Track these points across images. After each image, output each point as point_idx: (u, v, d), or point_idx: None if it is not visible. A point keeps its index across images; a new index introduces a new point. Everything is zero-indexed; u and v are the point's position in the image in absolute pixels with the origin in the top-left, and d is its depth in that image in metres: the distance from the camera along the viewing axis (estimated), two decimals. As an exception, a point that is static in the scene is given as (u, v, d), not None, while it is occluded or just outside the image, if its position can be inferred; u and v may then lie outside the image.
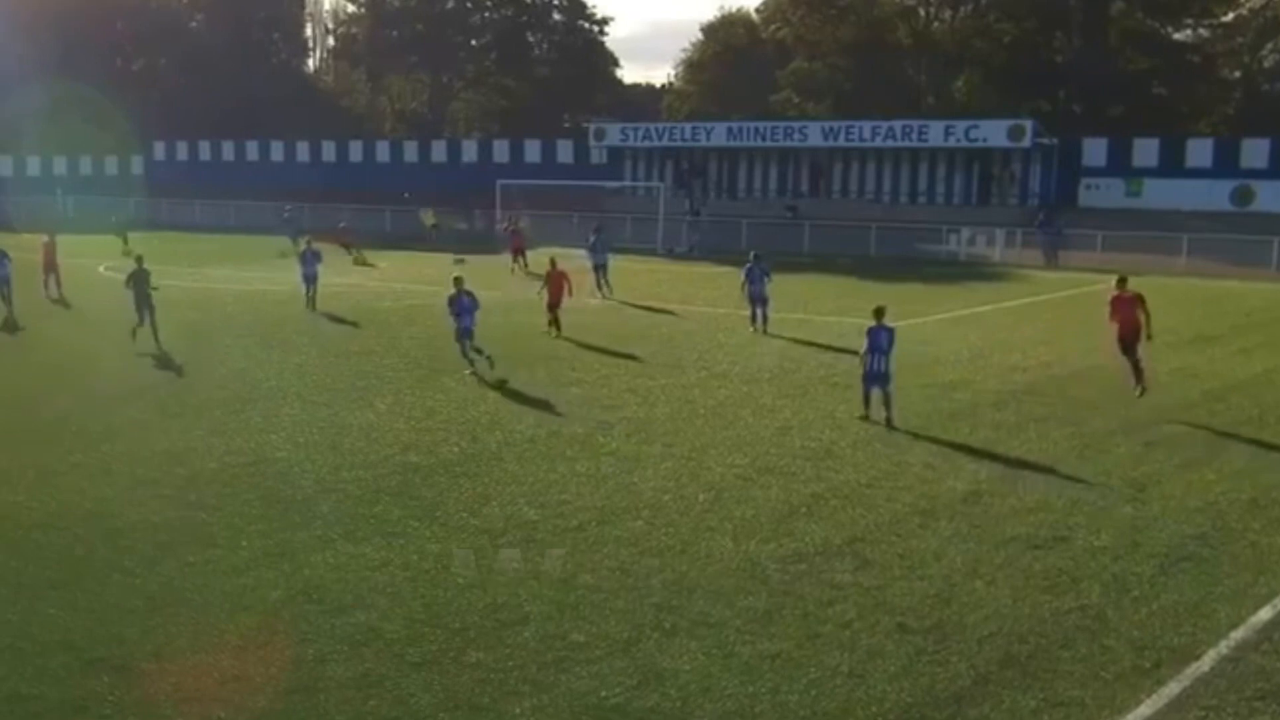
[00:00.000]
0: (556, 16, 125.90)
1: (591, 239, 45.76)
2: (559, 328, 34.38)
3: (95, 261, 53.15)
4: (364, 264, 56.16)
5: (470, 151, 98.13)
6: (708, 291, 46.23)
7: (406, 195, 72.26)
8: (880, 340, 23.82)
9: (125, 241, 60.33)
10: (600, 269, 44.70)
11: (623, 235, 66.09)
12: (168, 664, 12.72)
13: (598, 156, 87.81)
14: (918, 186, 78.77)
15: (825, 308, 41.45)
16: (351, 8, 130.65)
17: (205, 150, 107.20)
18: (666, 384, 27.47)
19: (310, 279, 40.15)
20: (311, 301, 39.93)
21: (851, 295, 44.69)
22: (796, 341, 33.84)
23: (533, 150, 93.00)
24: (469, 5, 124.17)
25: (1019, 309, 42.18)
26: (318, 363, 30.12)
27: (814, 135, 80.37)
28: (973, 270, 56.31)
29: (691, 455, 20.99)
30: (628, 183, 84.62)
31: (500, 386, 26.95)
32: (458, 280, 29.67)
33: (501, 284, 44.99)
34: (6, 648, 13.06)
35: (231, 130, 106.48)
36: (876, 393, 23.75)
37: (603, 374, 28.65)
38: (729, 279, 50.16)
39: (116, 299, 35.35)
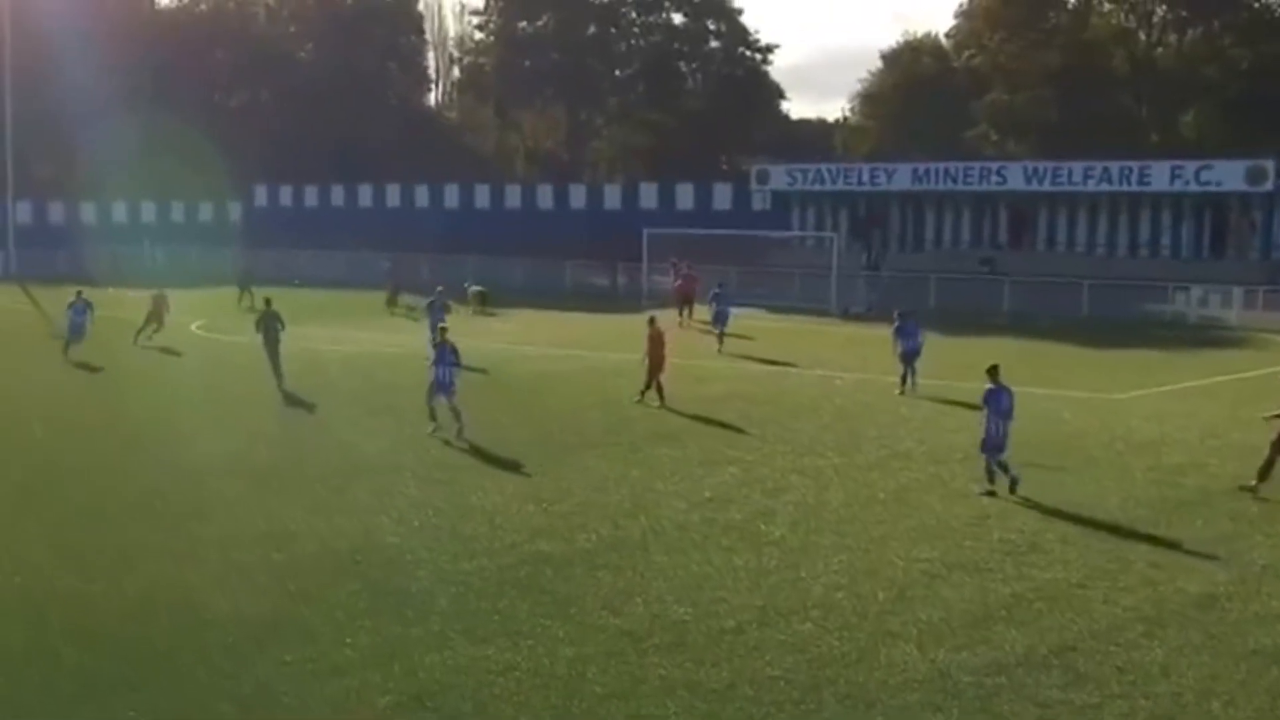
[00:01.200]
0: (713, 43, 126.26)
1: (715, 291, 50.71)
2: (661, 396, 34.50)
3: (188, 319, 54.19)
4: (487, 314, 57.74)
5: (613, 197, 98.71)
6: (888, 358, 45.79)
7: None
8: (1002, 403, 24.93)
9: (249, 295, 61.31)
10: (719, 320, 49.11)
11: (790, 293, 66.10)
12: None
13: (760, 202, 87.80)
14: (1138, 237, 77.60)
15: (1027, 378, 40.77)
16: (479, 35, 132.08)
17: (312, 195, 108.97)
18: (839, 463, 27.28)
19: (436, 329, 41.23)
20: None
21: (1060, 364, 44.14)
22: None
23: (685, 195, 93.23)
24: (613, 31, 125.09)
25: (1260, 381, 41.21)
26: (435, 436, 30.28)
27: (1015, 178, 79.62)
28: (1205, 335, 55.48)
29: (869, 547, 20.78)
30: (795, 233, 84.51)
31: (644, 464, 26.94)
32: (442, 330, 33.27)
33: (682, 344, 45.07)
34: (77, 756, 13.21)
35: (342, 173, 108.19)
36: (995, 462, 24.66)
37: (764, 451, 28.52)
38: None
39: (208, 361, 36.05)
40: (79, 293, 46.98)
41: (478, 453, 28.16)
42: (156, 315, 49.37)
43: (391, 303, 62.77)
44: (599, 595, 18.30)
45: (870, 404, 35.20)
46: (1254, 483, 24.78)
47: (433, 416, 30.42)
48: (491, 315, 59.80)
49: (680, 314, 54.30)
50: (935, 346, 48.66)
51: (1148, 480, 25.85)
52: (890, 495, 24.43)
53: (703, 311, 52.27)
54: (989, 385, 25.18)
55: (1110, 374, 41.99)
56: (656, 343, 35.13)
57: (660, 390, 34.73)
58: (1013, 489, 24.35)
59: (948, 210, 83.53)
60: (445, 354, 30.98)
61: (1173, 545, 21.15)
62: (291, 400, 35.24)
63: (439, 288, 49.23)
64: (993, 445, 24.70)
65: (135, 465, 26.92)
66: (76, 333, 44.79)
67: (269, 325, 38.93)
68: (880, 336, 51.99)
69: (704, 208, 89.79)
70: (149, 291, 50.42)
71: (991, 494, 24.33)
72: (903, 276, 69.18)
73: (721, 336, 48.23)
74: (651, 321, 36.24)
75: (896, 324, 38.24)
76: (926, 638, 16.71)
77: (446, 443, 29.32)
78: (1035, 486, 25.12)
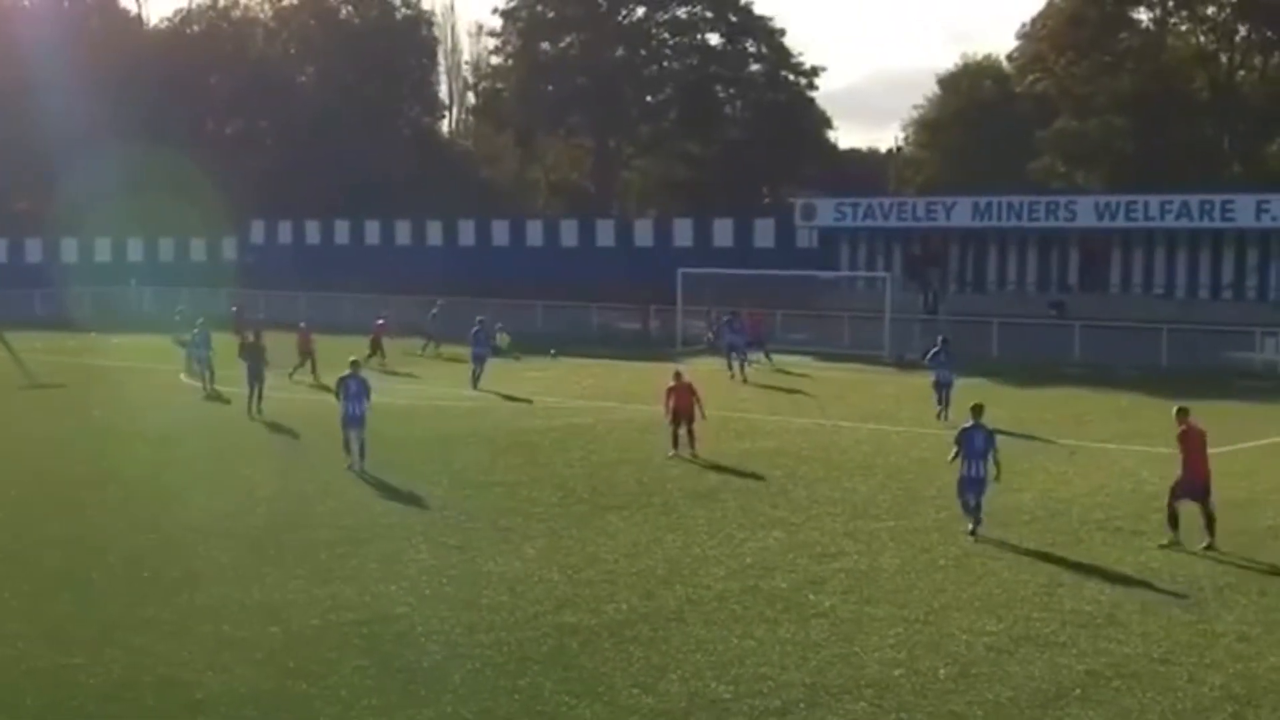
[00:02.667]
0: (754, 66, 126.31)
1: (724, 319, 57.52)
2: (692, 445, 35.27)
3: (177, 366, 54.37)
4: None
5: (645, 233, 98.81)
6: (949, 412, 45.78)
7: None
8: (975, 443, 26.99)
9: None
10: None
11: (839, 339, 66.08)
12: None
13: (806, 240, 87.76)
14: (1221, 278, 77.34)
15: (1102, 432, 40.86)
16: (497, 58, 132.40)
17: (314, 231, 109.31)
18: (895, 526, 27.21)
19: (479, 359, 51.50)
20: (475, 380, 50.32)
21: (1137, 417, 44.07)
22: (1064, 475, 33.26)
23: (724, 232, 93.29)
24: (643, 53, 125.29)
25: (1360, 436, 41.21)
26: (448, 495, 30.31)
27: (1085, 213, 79.44)
28: (1296, 386, 55.06)
29: (928, 619, 20.68)
30: (845, 273, 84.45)
31: (679, 526, 26.87)
32: (354, 363, 35.09)
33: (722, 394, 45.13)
34: None
35: (347, 208, 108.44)
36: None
37: (812, 512, 28.46)
38: (974, 395, 49.81)
39: (200, 413, 36.15)
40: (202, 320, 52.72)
41: (495, 515, 28.13)
42: (304, 349, 54.24)
43: (430, 348, 63.68)
44: (630, 672, 18.23)
45: (928, 461, 35.04)
46: None
47: (347, 451, 33.31)
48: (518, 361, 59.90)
49: (732, 365, 55.46)
50: (999, 398, 48.63)
51: (1236, 544, 25.64)
52: (951, 561, 24.34)
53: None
54: (966, 424, 27.45)
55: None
56: (683, 394, 35.70)
57: (691, 437, 35.39)
58: (972, 533, 26.36)
59: (1012, 249, 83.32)
60: (351, 387, 33.75)
61: (1264, 616, 21.00)
62: (292, 457, 35.27)
63: (479, 318, 55.15)
64: (967, 486, 26.90)
65: (120, 528, 26.92)
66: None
67: (254, 357, 44.09)
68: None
69: (744, 245, 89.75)
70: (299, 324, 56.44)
71: (974, 535, 26.33)
72: (963, 322, 69.11)
73: (741, 366, 54.31)
74: (678, 376, 36.74)
75: (934, 350, 42.69)
76: (994, 719, 16.59)
77: (363, 478, 32.13)
78: (1112, 551, 25.06)
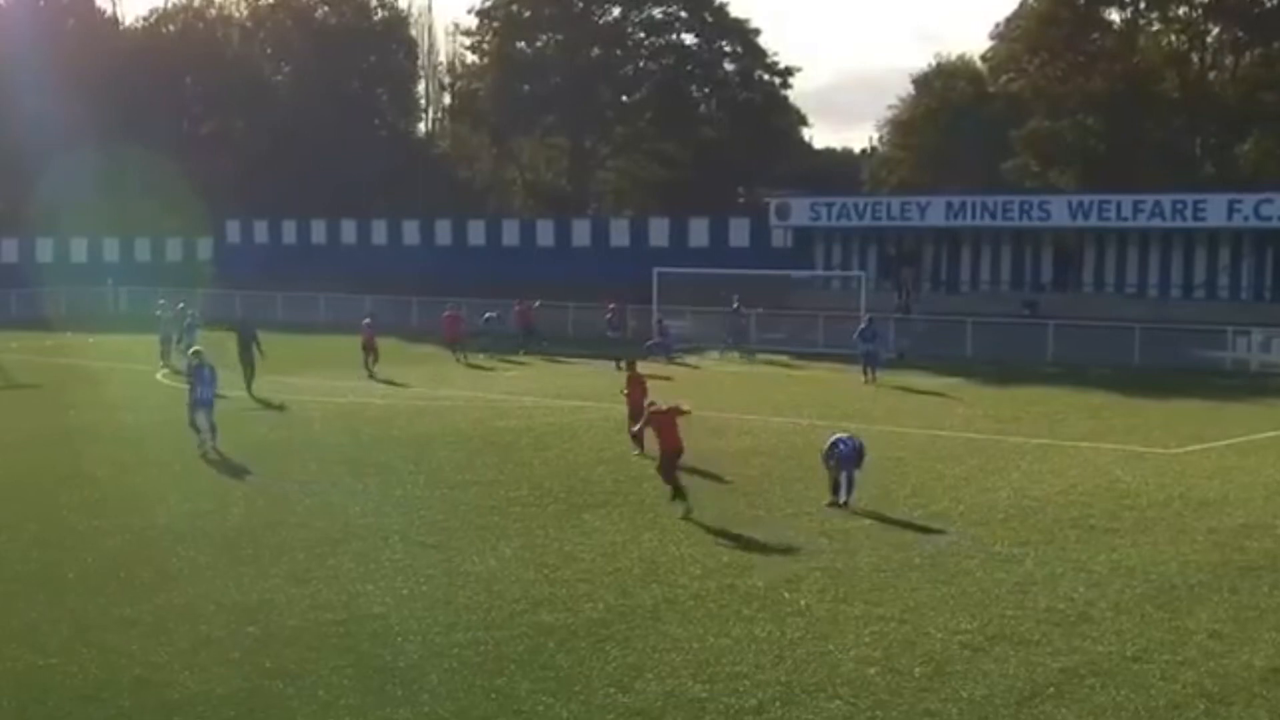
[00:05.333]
0: (728, 66, 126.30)
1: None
2: (641, 445, 33.92)
3: (151, 368, 54.30)
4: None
5: (620, 233, 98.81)
6: (922, 408, 45.88)
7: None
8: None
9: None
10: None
11: (813, 338, 66.13)
12: None
13: (781, 239, 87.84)
14: (1193, 278, 77.52)
15: (1075, 431, 40.92)
16: (472, 57, 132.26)
17: (290, 231, 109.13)
18: (870, 525, 27.19)
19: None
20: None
21: (1111, 416, 44.22)
22: (1038, 473, 33.31)
23: (699, 231, 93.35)
24: (619, 53, 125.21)
25: (1331, 434, 41.33)
26: (426, 495, 30.26)
27: (1058, 212, 79.58)
28: (1268, 383, 55.50)
29: (904, 617, 20.67)
30: (819, 272, 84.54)
31: (656, 525, 26.86)
32: (197, 353, 37.58)
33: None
34: None
35: (323, 207, 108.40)
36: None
37: (788, 511, 28.45)
38: (950, 394, 49.96)
39: (176, 414, 36.12)
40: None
41: (472, 514, 28.10)
42: (369, 345, 55.86)
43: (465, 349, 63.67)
44: (607, 671, 18.20)
45: (903, 460, 35.09)
46: None
47: (196, 431, 35.56)
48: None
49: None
50: (973, 397, 48.87)
51: (1209, 543, 25.72)
52: (926, 560, 24.32)
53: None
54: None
55: (1166, 427, 41.94)
56: (635, 387, 35.75)
57: (640, 439, 34.02)
58: (844, 504, 28.46)
59: (986, 248, 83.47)
60: (204, 375, 36.20)
61: (1237, 614, 21.01)
62: (268, 457, 35.18)
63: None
64: (846, 459, 28.70)
65: (95, 528, 26.79)
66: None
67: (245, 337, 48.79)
68: (911, 386, 52.32)
69: (719, 245, 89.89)
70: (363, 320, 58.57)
71: (835, 504, 28.40)
72: (937, 321, 69.20)
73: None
74: (631, 366, 37.59)
75: (861, 326, 48.40)
76: (968, 718, 16.62)
77: (205, 458, 34.48)
78: (1086, 549, 25.06)
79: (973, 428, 40.88)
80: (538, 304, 69.55)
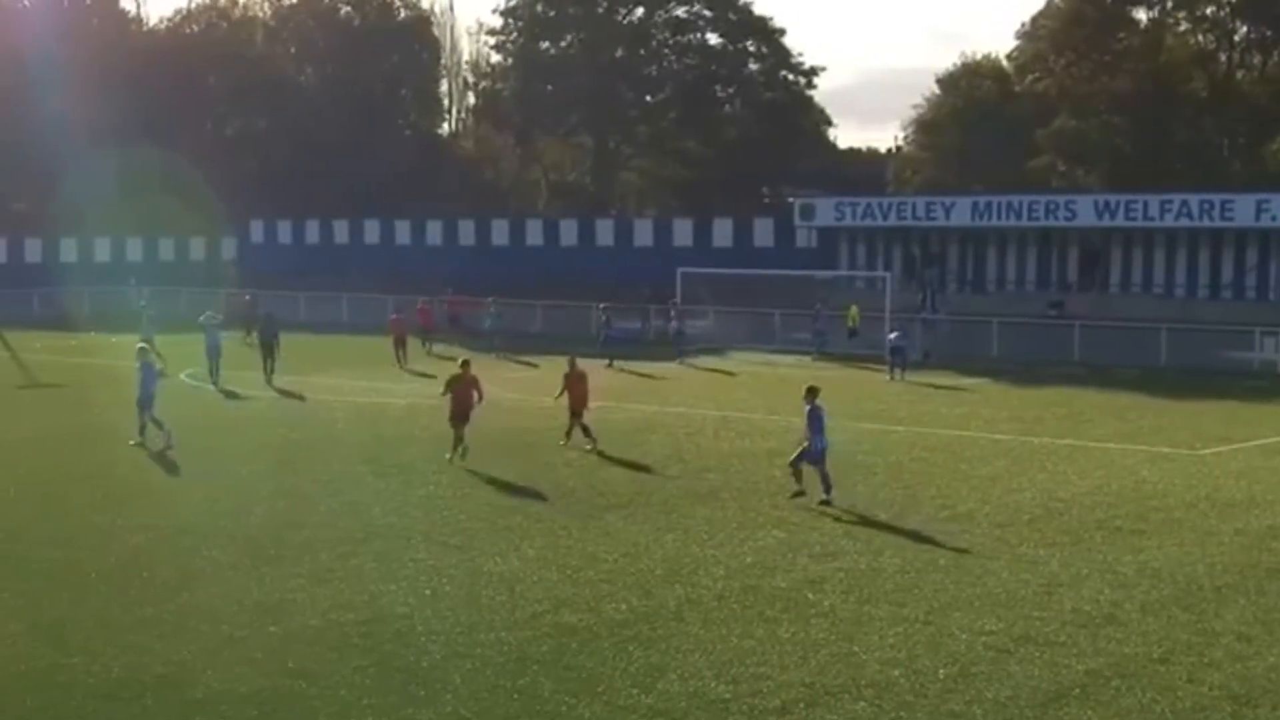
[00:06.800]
0: (753, 66, 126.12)
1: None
2: (589, 435, 36.44)
3: (178, 366, 54.35)
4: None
5: (644, 233, 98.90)
6: (947, 409, 45.80)
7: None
8: (821, 419, 29.43)
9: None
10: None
11: (838, 338, 66.07)
12: None
13: (805, 239, 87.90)
14: (1220, 278, 77.43)
15: (1101, 432, 40.81)
16: (496, 57, 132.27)
17: (313, 231, 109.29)
18: (895, 526, 27.14)
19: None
20: None
21: (1137, 417, 44.11)
22: (1064, 474, 33.23)
23: (723, 231, 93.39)
24: (643, 53, 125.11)
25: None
26: (449, 495, 30.25)
27: (1085, 212, 79.53)
28: (1296, 385, 55.07)
29: (928, 619, 20.63)
30: (844, 272, 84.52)
31: (678, 526, 26.85)
32: (142, 350, 38.22)
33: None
34: None
35: (347, 207, 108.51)
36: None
37: (812, 512, 28.39)
38: (974, 394, 49.87)
39: (199, 413, 36.14)
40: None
41: (495, 514, 28.08)
42: (400, 341, 59.01)
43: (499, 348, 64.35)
44: (629, 672, 18.18)
45: (928, 460, 35.05)
46: None
47: (141, 431, 36.18)
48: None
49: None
50: (999, 398, 48.78)
51: (1236, 544, 25.65)
52: (951, 561, 24.28)
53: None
54: (809, 405, 29.29)
55: (1192, 427, 41.82)
56: (576, 381, 37.04)
57: (586, 430, 36.47)
58: (826, 500, 28.72)
59: (1011, 248, 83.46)
60: (148, 373, 36.87)
61: (1264, 616, 20.94)
62: (291, 456, 35.21)
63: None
64: (813, 457, 29.04)
65: (118, 527, 26.82)
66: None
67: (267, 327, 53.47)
68: (936, 386, 52.24)
69: (744, 245, 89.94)
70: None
71: (800, 494, 28.84)
72: (962, 322, 69.10)
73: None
74: (572, 363, 37.92)
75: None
76: (992, 719, 16.54)
77: (166, 454, 35.10)
78: (1112, 551, 24.99)
79: (998, 429, 40.80)
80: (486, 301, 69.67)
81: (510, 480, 31.96)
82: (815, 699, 17.13)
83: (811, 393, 29.56)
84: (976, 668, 18.40)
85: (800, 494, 28.86)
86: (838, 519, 27.78)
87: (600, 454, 35.36)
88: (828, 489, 28.91)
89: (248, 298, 71.44)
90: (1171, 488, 31.46)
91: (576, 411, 36.81)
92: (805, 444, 29.30)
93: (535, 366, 58.50)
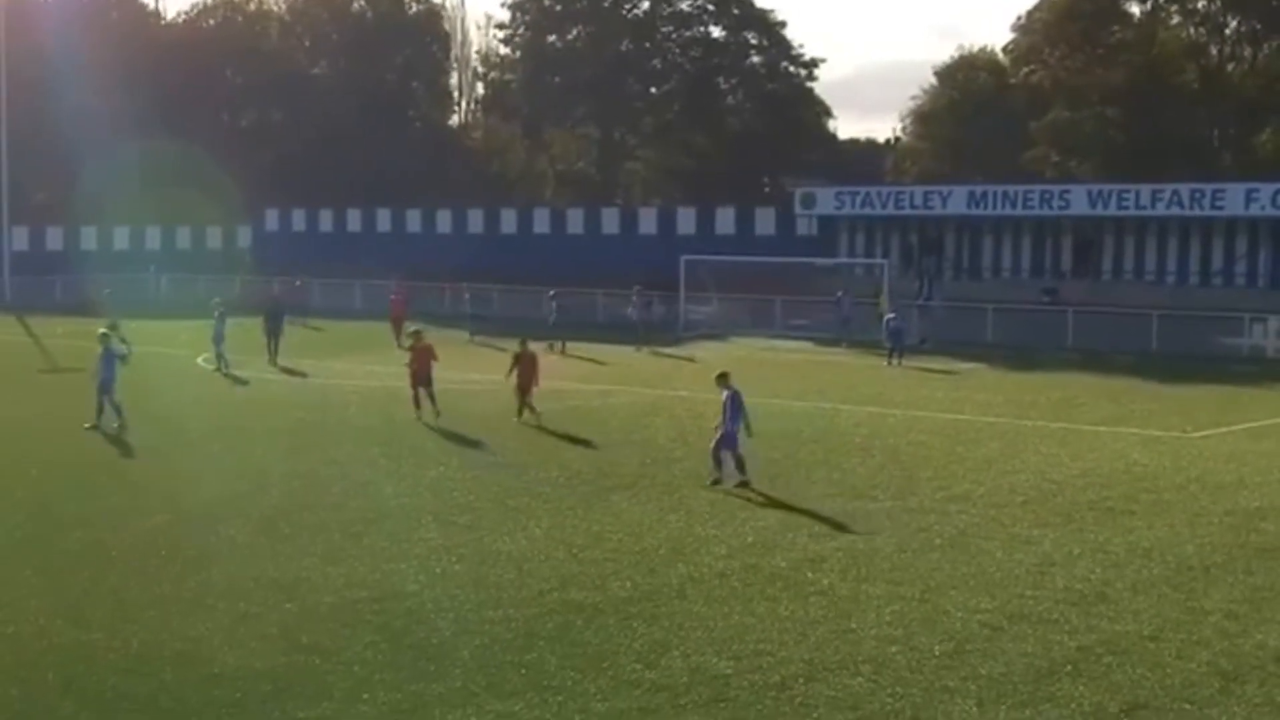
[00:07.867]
0: (755, 58, 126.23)
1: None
2: (533, 410, 37.98)
3: (193, 352, 54.43)
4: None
5: (648, 221, 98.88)
6: (943, 393, 45.77)
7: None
8: (739, 404, 29.22)
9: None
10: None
11: (837, 324, 66.00)
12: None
13: (806, 228, 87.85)
14: (1211, 265, 77.40)
15: (1094, 415, 40.78)
16: (505, 50, 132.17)
17: (327, 220, 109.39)
18: (892, 507, 27.13)
19: None
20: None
21: (1129, 401, 44.03)
22: (1057, 457, 33.22)
23: (725, 220, 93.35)
24: (648, 46, 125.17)
25: (1346, 419, 41.13)
26: (458, 476, 30.25)
27: (1078, 201, 79.50)
28: (1284, 370, 54.99)
29: (924, 597, 20.63)
30: (844, 260, 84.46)
31: (681, 506, 26.87)
32: (104, 336, 37.80)
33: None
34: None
35: (359, 196, 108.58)
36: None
37: (812, 493, 28.40)
38: (970, 379, 49.86)
39: (214, 396, 36.13)
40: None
41: (503, 495, 28.10)
42: (398, 321, 60.15)
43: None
44: (633, 647, 18.19)
45: (924, 443, 35.03)
46: None
47: (99, 413, 36.33)
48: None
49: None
50: (994, 382, 48.76)
51: (1224, 525, 25.61)
52: (947, 541, 24.26)
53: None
54: (727, 390, 29.24)
55: (1183, 411, 41.78)
56: (527, 363, 38.35)
57: (530, 408, 38.08)
58: (716, 482, 28.91)
59: (1006, 236, 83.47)
60: (110, 356, 36.99)
61: (1252, 595, 20.91)
62: (305, 439, 35.25)
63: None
64: (730, 443, 28.94)
65: (136, 508, 26.85)
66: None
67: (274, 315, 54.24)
68: (932, 371, 52.22)
69: (745, 233, 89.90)
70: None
71: (718, 482, 28.79)
72: (959, 308, 69.04)
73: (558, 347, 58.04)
74: (523, 343, 38.99)
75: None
76: (986, 695, 16.53)
77: (119, 437, 35.28)
78: (1104, 531, 24.98)
79: (993, 412, 40.79)
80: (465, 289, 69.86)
81: (518, 462, 31.99)
82: (814, 674, 17.14)
83: (724, 378, 29.77)
84: (971, 644, 18.40)
85: (718, 481, 28.91)
86: (835, 500, 27.78)
87: (540, 428, 36.83)
88: (742, 469, 28.89)
89: (275, 288, 71.18)
90: (1162, 470, 31.44)
91: (524, 389, 38.20)
92: (719, 430, 29.35)
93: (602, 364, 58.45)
